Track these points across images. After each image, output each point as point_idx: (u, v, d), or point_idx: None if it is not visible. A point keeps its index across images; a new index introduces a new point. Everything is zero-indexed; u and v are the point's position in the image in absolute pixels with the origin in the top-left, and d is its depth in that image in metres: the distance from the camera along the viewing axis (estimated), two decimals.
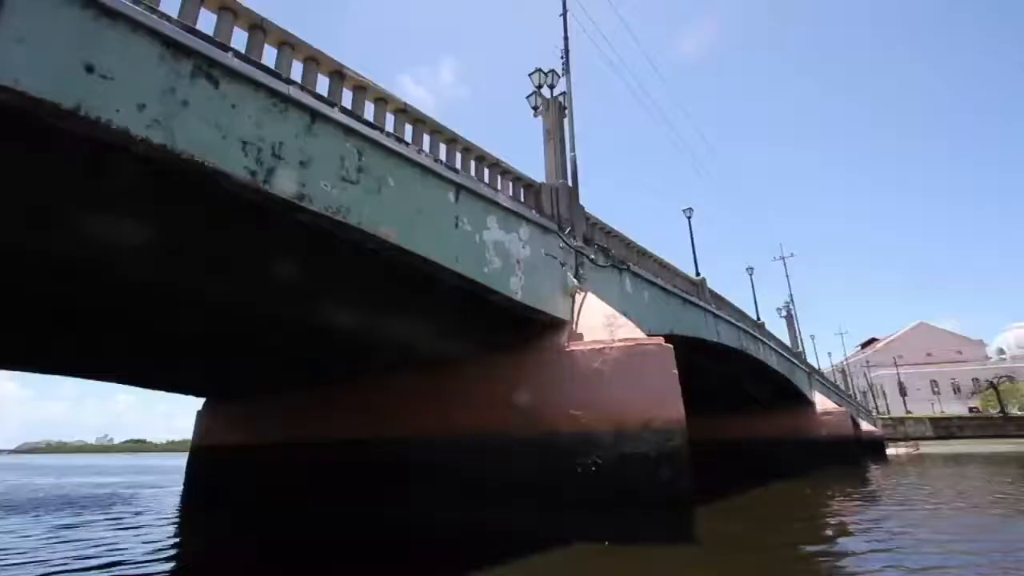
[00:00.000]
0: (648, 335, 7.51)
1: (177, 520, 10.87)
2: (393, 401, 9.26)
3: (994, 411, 41.64)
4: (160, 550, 7.40)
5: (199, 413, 16.68)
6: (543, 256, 7.90)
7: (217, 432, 14.71)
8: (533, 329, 7.93)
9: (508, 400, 7.66)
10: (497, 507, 7.16)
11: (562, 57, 10.31)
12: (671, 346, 7.15)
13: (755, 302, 25.73)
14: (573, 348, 7.46)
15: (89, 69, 3.58)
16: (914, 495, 12.36)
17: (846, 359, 61.79)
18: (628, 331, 7.52)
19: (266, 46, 5.12)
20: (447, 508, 7.67)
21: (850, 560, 5.74)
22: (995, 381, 45.87)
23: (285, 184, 4.59)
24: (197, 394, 16.54)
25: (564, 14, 10.68)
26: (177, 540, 8.49)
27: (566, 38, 10.40)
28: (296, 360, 10.18)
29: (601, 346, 7.24)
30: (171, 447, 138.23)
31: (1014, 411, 39.92)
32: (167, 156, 3.88)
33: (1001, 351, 67.17)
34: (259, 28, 5.03)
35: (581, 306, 8.09)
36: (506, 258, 7.09)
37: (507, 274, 7.02)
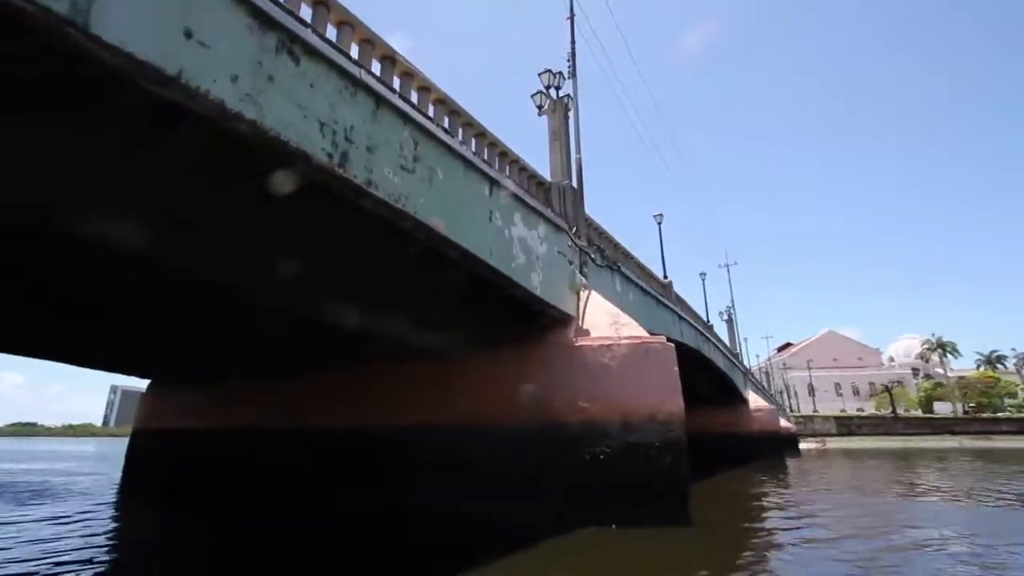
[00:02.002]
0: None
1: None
2: (395, 390, 9.22)
3: (887, 411, 47.31)
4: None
5: (143, 395, 15.54)
6: (556, 254, 8.20)
7: (169, 415, 13.78)
8: (540, 323, 8.21)
9: (515, 391, 7.90)
10: (504, 494, 7.39)
11: (568, 61, 10.61)
12: (673, 345, 7.71)
13: (706, 305, 27.52)
14: (582, 343, 7.83)
15: (188, 35, 3.41)
16: (826, 483, 15.50)
17: (769, 360, 67.64)
18: (632, 329, 8.01)
19: (327, 25, 5.00)
20: (452, 498, 7.78)
21: (784, 535, 7.07)
22: (889, 385, 52.09)
23: (356, 169, 4.55)
24: (142, 376, 15.39)
25: (571, 17, 10.96)
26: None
27: (572, 42, 10.71)
28: (293, 349, 9.83)
29: (609, 342, 7.67)
30: (68, 432, 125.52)
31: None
32: (257, 132, 3.77)
33: (891, 359, 76.05)
34: (323, 4, 4.91)
35: (586, 303, 8.48)
36: (528, 254, 7.31)
37: (529, 269, 7.25)
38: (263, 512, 9.09)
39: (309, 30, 4.36)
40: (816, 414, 51.29)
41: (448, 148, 5.91)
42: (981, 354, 56.44)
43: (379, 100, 4.96)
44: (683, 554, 6.00)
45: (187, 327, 9.27)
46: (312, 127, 4.21)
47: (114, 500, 11.42)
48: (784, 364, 69.79)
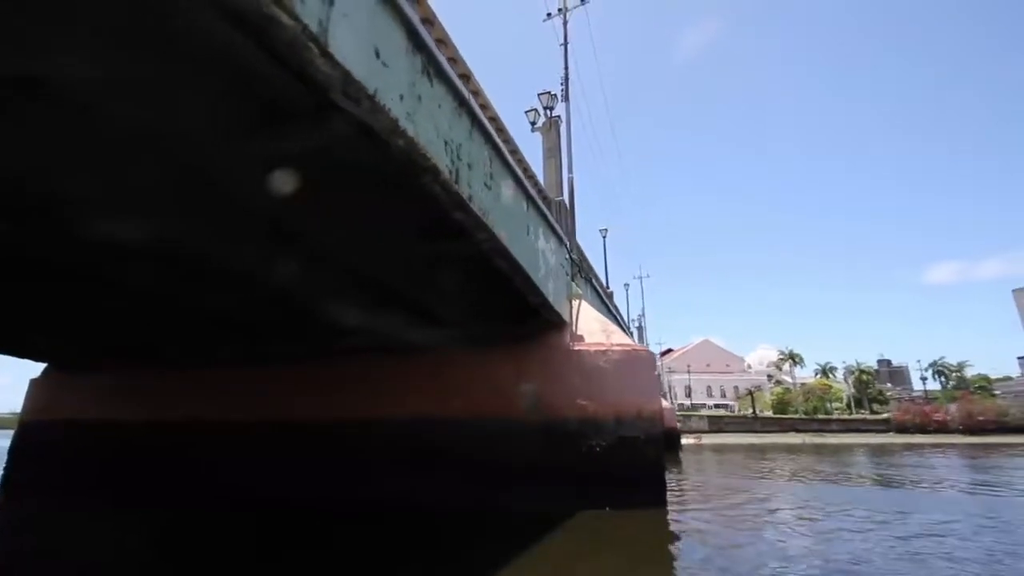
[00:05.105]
0: None
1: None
2: (384, 384, 9.31)
3: (748, 412, 55.20)
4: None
5: (37, 381, 13.46)
6: (559, 265, 8.99)
7: (81, 405, 12.14)
8: (539, 326, 8.93)
9: (514, 388, 8.57)
10: (505, 485, 8.01)
11: (562, 84, 11.41)
12: (655, 352, 8.91)
13: (628, 312, 30.14)
14: (580, 348, 8.72)
15: (377, 54, 3.65)
16: (720, 472, 19.13)
17: (660, 364, 75.20)
18: (620, 337, 9.09)
19: None
20: (452, 491, 8.18)
21: (724, 508, 9.40)
22: (751, 390, 60.79)
23: (463, 184, 4.94)
24: (38, 359, 13.30)
25: (565, 44, 11.78)
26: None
27: (566, 67, 11.53)
28: (274, 338, 9.40)
29: (604, 348, 8.65)
30: None
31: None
32: (410, 147, 4.05)
33: (749, 366, 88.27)
34: (430, 22, 5.17)
35: (578, 311, 9.39)
36: (546, 265, 8.01)
37: (546, 279, 7.95)
38: (220, 515, 8.69)
39: (439, 51, 4.67)
40: (693, 413, 57.94)
41: (506, 165, 6.42)
42: (819, 364, 68.16)
43: (474, 120, 5.37)
44: (661, 524, 7.43)
45: (154, 302, 8.50)
46: (440, 144, 4.55)
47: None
48: (670, 368, 77.70)
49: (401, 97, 3.91)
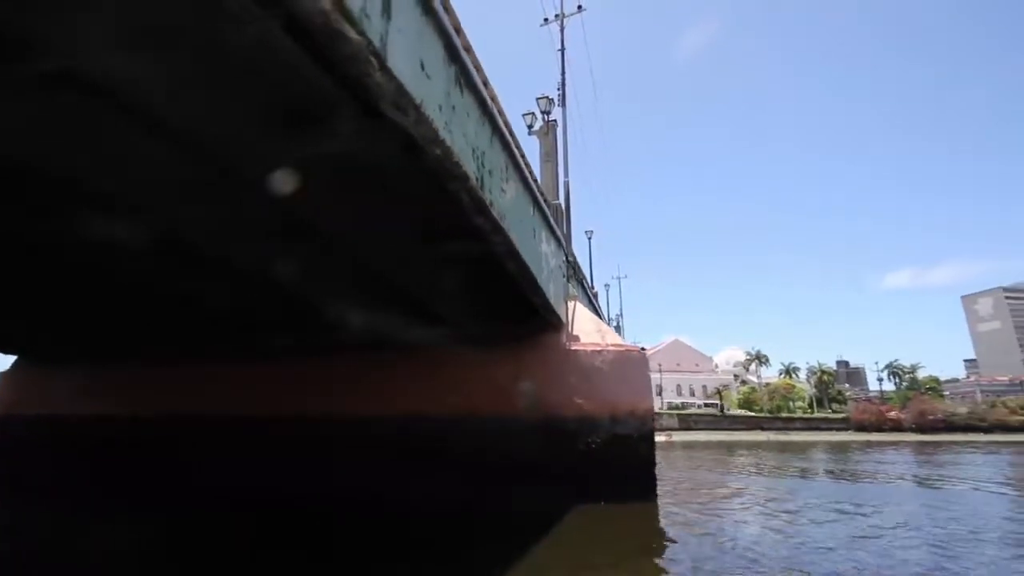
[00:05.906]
0: None
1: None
2: (380, 380, 9.37)
3: (716, 411, 57.08)
4: None
5: (7, 375, 12.91)
6: (557, 267, 9.24)
7: (58, 400, 11.72)
8: (537, 326, 9.16)
9: (512, 387, 8.78)
10: (504, 481, 8.22)
11: (558, 90, 11.66)
12: (647, 353, 9.28)
13: (608, 312, 30.74)
14: (576, 348, 9.00)
15: (422, 66, 3.80)
16: (695, 467, 20.31)
17: None
18: (613, 337, 9.43)
19: None
20: (451, 490, 8.31)
21: (704, 500, 10.26)
22: (719, 389, 62.84)
23: (486, 190, 5.12)
24: (8, 352, 12.76)
25: (562, 50, 12.03)
26: None
27: (563, 73, 11.78)
28: (268, 333, 9.32)
29: (600, 348, 8.96)
30: None
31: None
32: (445, 155, 4.20)
33: (717, 366, 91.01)
34: (459, 31, 5.31)
35: (574, 312, 9.67)
36: (547, 267, 8.25)
37: (547, 281, 8.19)
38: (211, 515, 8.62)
39: (469, 62, 4.83)
40: (664, 411, 59.42)
41: (518, 169, 6.62)
42: (784, 364, 70.92)
43: (494, 128, 5.55)
44: (652, 516, 7.89)
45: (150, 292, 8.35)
46: (469, 152, 4.71)
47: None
48: None
49: (440, 107, 4.06)
